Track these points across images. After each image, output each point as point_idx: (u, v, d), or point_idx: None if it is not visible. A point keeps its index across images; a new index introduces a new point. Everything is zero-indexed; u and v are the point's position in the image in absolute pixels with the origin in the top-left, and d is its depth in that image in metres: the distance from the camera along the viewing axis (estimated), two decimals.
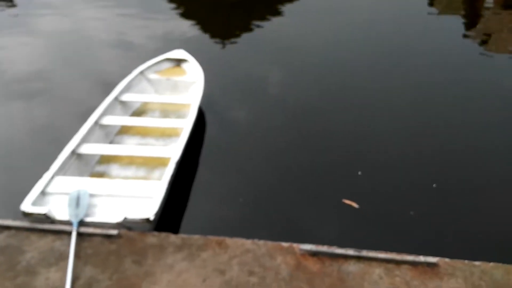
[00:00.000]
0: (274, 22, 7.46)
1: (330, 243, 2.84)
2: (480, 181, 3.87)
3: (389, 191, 3.72)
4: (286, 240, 2.89)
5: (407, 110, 4.92)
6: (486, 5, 9.47)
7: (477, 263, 2.77)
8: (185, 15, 7.60)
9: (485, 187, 3.80)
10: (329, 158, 4.10)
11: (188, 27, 7.04)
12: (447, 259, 2.78)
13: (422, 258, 2.75)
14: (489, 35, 7.47)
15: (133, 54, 5.95)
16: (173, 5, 8.15)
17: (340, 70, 5.79)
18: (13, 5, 7.79)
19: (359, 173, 3.86)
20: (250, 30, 7.09)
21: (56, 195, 3.12)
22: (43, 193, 3.10)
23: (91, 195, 3.10)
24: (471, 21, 8.27)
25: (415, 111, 4.90)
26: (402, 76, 5.68)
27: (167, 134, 4.14)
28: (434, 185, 3.76)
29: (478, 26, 8.02)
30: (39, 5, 7.67)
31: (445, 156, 4.17)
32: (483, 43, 7.10)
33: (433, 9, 8.73)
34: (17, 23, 6.98)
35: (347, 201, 3.53)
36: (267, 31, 7.08)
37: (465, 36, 7.36)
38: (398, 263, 2.75)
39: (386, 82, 5.53)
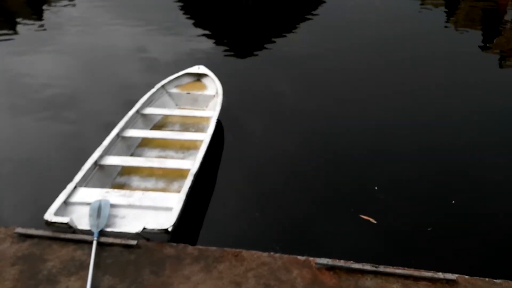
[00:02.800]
0: (291, 39, 7.57)
1: (347, 258, 2.82)
2: (501, 198, 3.79)
3: (407, 206, 3.68)
4: (302, 254, 2.89)
5: (426, 126, 4.88)
6: (507, 18, 9.37)
7: (498, 281, 2.71)
8: (205, 31, 7.79)
9: (506, 205, 3.71)
10: (346, 173, 4.10)
11: (208, 43, 7.22)
12: (466, 276, 2.72)
13: (441, 275, 2.70)
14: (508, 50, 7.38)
15: (155, 69, 6.12)
16: (193, 22, 8.38)
17: (358, 85, 5.81)
18: (41, 21, 8.17)
19: (376, 187, 3.84)
20: (268, 46, 7.20)
21: (78, 205, 3.22)
22: (66, 203, 3.20)
23: (112, 206, 3.18)
24: (490, 35, 8.18)
25: (434, 127, 4.86)
26: (419, 91, 5.66)
27: (186, 147, 4.22)
28: (453, 201, 3.71)
29: (497, 41, 7.93)
30: (65, 22, 8.01)
31: (464, 173, 4.11)
32: (503, 58, 7.01)
33: (450, 24, 8.71)
34: (44, 38, 7.29)
35: (365, 217, 3.50)
36: (285, 47, 7.18)
37: (484, 50, 7.29)
38: (416, 279, 2.71)
39: (404, 97, 5.53)
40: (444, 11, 9.63)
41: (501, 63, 6.80)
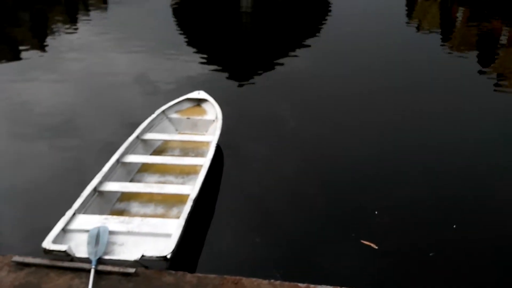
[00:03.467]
0: (289, 64, 7.69)
1: (348, 284, 2.78)
2: (503, 224, 3.76)
3: (408, 231, 3.65)
4: (303, 281, 2.84)
5: (426, 149, 4.90)
6: (501, 41, 9.55)
7: None
8: (206, 56, 7.93)
9: (509, 231, 3.68)
10: (347, 197, 4.09)
11: (208, 68, 7.33)
12: None
13: None
14: (503, 73, 7.49)
15: (156, 94, 6.19)
16: (194, 47, 8.54)
17: (356, 109, 5.87)
18: (44, 48, 8.33)
19: (376, 212, 3.82)
20: (267, 71, 7.31)
21: (77, 233, 3.19)
22: (64, 230, 3.18)
23: (111, 233, 3.15)
24: (486, 58, 8.31)
25: (433, 151, 4.87)
26: (417, 115, 5.72)
27: (186, 172, 4.22)
28: (454, 226, 3.68)
29: (493, 64, 8.06)
30: (67, 49, 8.16)
31: (465, 197, 4.10)
32: (499, 80, 7.10)
33: (446, 47, 8.87)
34: (46, 65, 7.41)
35: (366, 242, 3.47)
36: (283, 72, 7.29)
37: (480, 73, 7.39)
38: None
39: (402, 121, 5.57)
40: (440, 35, 9.83)
41: (496, 86, 6.88)
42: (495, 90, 6.73)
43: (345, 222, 3.75)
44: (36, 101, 5.98)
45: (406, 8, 13.14)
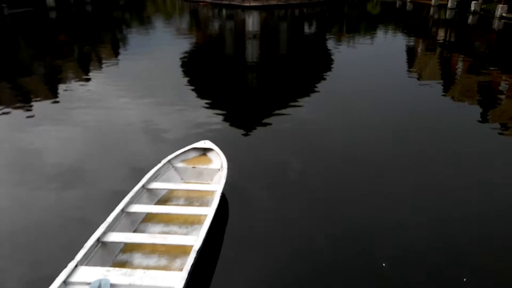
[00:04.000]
0: (294, 113, 7.87)
1: None
2: None
3: (416, 285, 3.54)
4: None
5: (428, 198, 4.87)
6: (501, 88, 9.73)
7: None
8: (212, 105, 8.14)
9: None
10: (353, 249, 4.01)
11: (214, 117, 7.50)
12: None
13: None
14: (507, 123, 7.56)
15: (163, 143, 6.32)
16: (201, 97, 8.79)
17: (360, 159, 5.90)
18: (56, 98, 8.62)
19: (384, 264, 3.73)
20: (272, 120, 7.46)
21: (78, 285, 3.14)
22: (65, 283, 3.13)
23: (112, 286, 3.10)
24: (488, 106, 8.44)
25: (439, 202, 4.83)
26: (421, 164, 5.73)
27: (190, 222, 4.20)
28: (464, 279, 3.57)
29: (494, 111, 8.17)
30: (78, 99, 8.46)
31: (473, 248, 4.02)
32: (502, 130, 7.16)
33: (447, 97, 9.04)
34: (57, 114, 7.64)
35: None
36: (288, 120, 7.44)
37: (482, 121, 7.47)
38: None
39: (405, 171, 5.57)
40: (441, 85, 10.06)
41: (500, 135, 6.93)
42: (498, 138, 6.76)
43: (352, 274, 3.66)
44: (45, 150, 6.11)
45: (407, 59, 13.57)
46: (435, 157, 5.93)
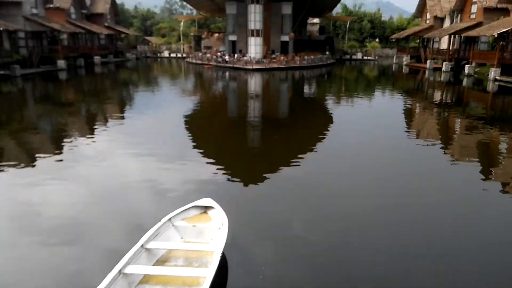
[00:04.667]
0: (293, 169, 7.90)
1: None
2: None
3: None
4: None
5: (431, 256, 4.74)
6: (501, 149, 9.82)
7: None
8: (214, 161, 8.19)
9: None
10: None
11: (216, 173, 7.51)
12: None
13: None
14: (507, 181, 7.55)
15: (164, 201, 6.27)
16: (203, 153, 8.89)
17: (362, 216, 5.82)
18: (60, 154, 8.73)
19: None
20: (272, 176, 7.47)
21: None
22: None
23: None
24: (488, 167, 8.47)
25: (443, 258, 4.70)
26: (421, 224, 5.64)
27: (188, 284, 4.05)
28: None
29: (495, 171, 8.17)
30: (82, 155, 8.56)
31: None
32: (505, 188, 7.13)
33: (447, 157, 9.11)
34: (60, 170, 7.69)
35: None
36: (288, 177, 7.44)
37: (483, 181, 7.46)
38: None
39: (406, 228, 5.48)
40: (440, 144, 10.18)
41: (502, 193, 6.89)
42: (499, 197, 6.71)
43: None
44: (46, 206, 6.05)
45: (405, 119, 13.88)
46: (435, 217, 5.84)
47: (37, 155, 8.80)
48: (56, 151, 9.08)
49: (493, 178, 7.72)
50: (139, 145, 9.45)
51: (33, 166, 8.01)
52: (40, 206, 6.07)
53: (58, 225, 5.48)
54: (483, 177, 7.71)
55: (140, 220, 5.54)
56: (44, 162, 8.24)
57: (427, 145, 10.06)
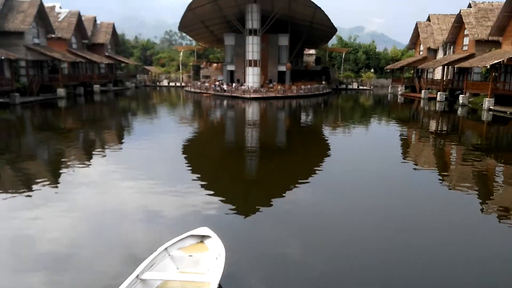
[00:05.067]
0: (291, 198, 7.87)
1: None
2: None
3: None
4: None
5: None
6: (497, 178, 9.84)
7: None
8: (211, 190, 8.15)
9: None
10: None
11: (213, 202, 7.46)
12: None
13: None
14: (506, 207, 7.54)
15: (161, 229, 6.20)
16: (200, 182, 8.85)
17: (361, 244, 5.76)
18: (56, 182, 8.69)
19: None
20: (269, 205, 7.43)
21: None
22: None
23: None
24: (486, 194, 8.47)
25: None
26: (420, 253, 5.59)
27: None
28: None
29: (493, 199, 8.17)
30: (78, 183, 8.51)
31: None
32: (504, 215, 7.11)
33: (444, 184, 9.11)
34: (56, 197, 7.63)
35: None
36: (285, 206, 7.40)
37: (482, 210, 7.44)
38: None
39: (409, 256, 5.42)
40: (437, 172, 10.21)
41: (500, 221, 6.86)
42: (498, 225, 6.67)
43: None
44: (40, 235, 5.97)
45: (401, 148, 13.97)
46: (432, 245, 5.80)
47: (32, 182, 8.73)
48: (53, 179, 9.03)
49: (490, 210, 7.70)
50: (136, 173, 9.42)
51: (29, 195, 7.95)
52: (34, 235, 5.97)
53: (50, 255, 5.38)
54: (480, 205, 7.69)
55: (135, 249, 5.46)
56: (40, 189, 8.17)
57: (424, 173, 10.09)
